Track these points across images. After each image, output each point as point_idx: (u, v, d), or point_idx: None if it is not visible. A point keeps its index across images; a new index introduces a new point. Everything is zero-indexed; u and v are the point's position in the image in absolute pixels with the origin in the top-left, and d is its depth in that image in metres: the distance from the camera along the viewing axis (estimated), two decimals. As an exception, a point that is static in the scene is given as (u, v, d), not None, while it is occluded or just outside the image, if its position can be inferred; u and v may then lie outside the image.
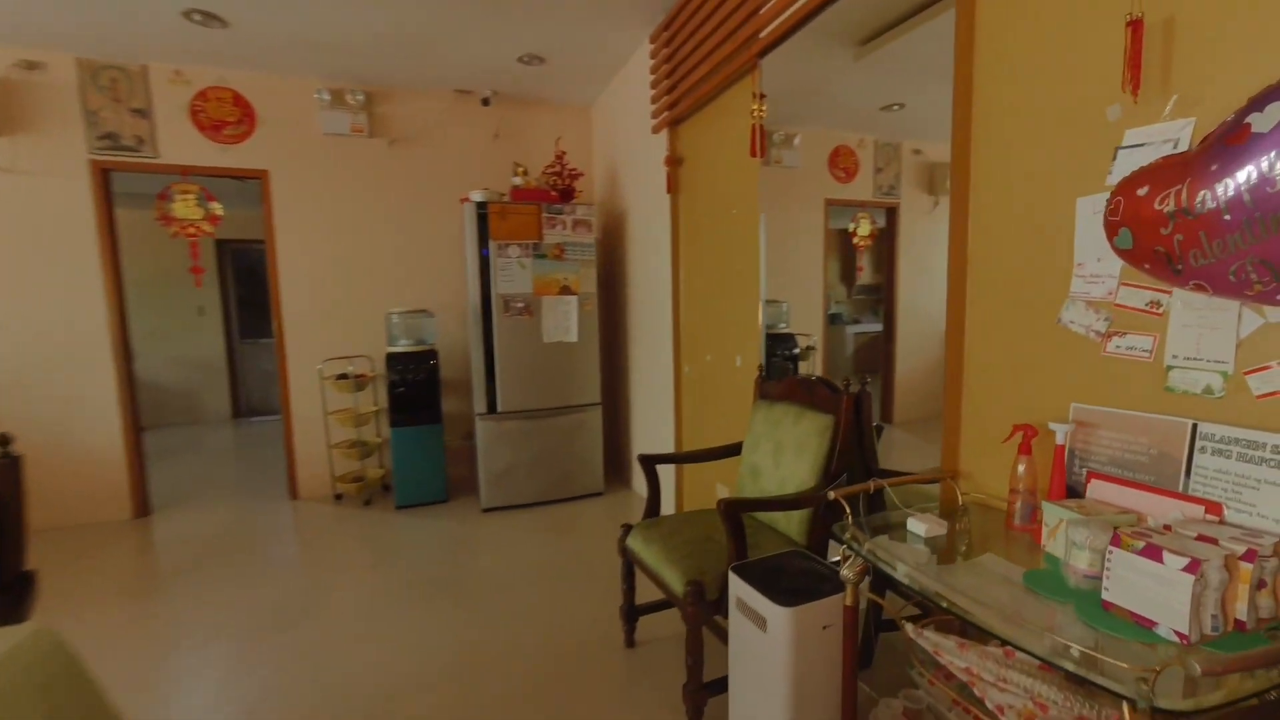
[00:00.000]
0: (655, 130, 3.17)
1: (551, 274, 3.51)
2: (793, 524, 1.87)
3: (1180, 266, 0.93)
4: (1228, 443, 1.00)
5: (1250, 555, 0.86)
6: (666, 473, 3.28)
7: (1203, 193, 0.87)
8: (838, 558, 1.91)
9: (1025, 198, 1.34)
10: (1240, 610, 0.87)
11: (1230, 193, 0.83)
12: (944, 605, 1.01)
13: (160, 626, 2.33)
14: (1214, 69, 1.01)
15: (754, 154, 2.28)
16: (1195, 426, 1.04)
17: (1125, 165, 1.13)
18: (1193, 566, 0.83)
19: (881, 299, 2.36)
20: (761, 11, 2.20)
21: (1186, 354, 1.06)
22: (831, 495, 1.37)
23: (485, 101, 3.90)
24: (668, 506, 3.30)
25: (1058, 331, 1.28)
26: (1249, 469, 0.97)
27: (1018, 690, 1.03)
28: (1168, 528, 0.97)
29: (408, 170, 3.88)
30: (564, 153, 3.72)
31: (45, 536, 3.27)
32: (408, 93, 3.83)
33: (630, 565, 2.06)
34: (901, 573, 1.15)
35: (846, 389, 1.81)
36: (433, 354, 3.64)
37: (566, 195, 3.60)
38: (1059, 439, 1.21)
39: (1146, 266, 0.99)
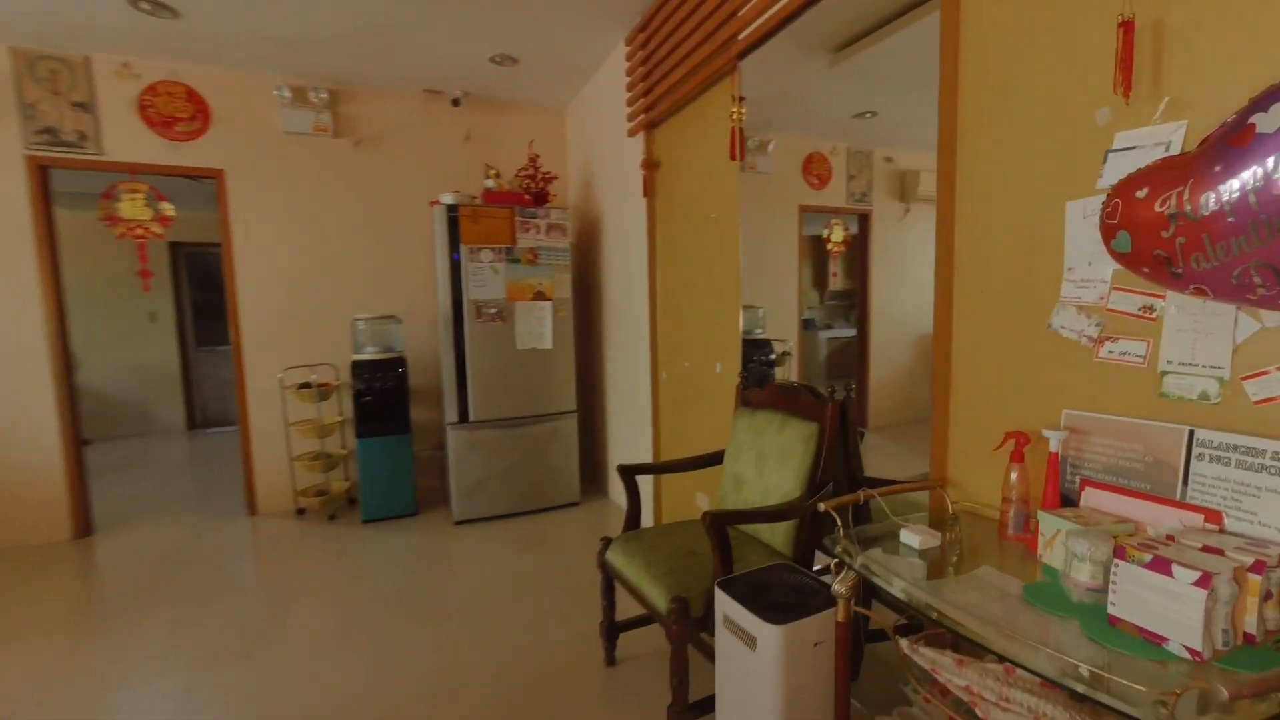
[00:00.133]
0: (631, 133, 3.11)
1: (525, 279, 3.42)
2: (777, 535, 1.82)
3: (1180, 270, 0.91)
4: (1226, 449, 0.98)
5: (1259, 566, 0.84)
6: (644, 483, 3.21)
7: (1206, 195, 0.84)
8: (819, 566, 1.88)
9: (1013, 201, 1.33)
10: (1249, 623, 0.85)
11: (1235, 194, 0.81)
12: (947, 625, 0.96)
13: (101, 659, 2.15)
14: (1204, 72, 1.00)
15: (734, 157, 2.25)
16: (1192, 433, 1.03)
17: (1115, 168, 1.12)
18: (1205, 580, 0.80)
19: (853, 305, 2.36)
20: (741, 13, 2.17)
21: (1181, 359, 1.05)
22: (822, 507, 1.32)
23: (456, 102, 3.79)
24: (646, 517, 3.23)
25: (1048, 337, 1.26)
26: (1249, 476, 0.95)
27: (1021, 710, 0.99)
28: (1171, 538, 0.94)
29: (375, 172, 3.75)
30: (537, 155, 3.64)
31: (-26, 561, 3.02)
32: (375, 92, 3.70)
33: (610, 580, 1.98)
34: (898, 588, 1.10)
35: (831, 396, 1.78)
36: (401, 361, 3.50)
37: (540, 199, 3.52)
38: (1053, 446, 1.19)
39: (1145, 270, 0.97)
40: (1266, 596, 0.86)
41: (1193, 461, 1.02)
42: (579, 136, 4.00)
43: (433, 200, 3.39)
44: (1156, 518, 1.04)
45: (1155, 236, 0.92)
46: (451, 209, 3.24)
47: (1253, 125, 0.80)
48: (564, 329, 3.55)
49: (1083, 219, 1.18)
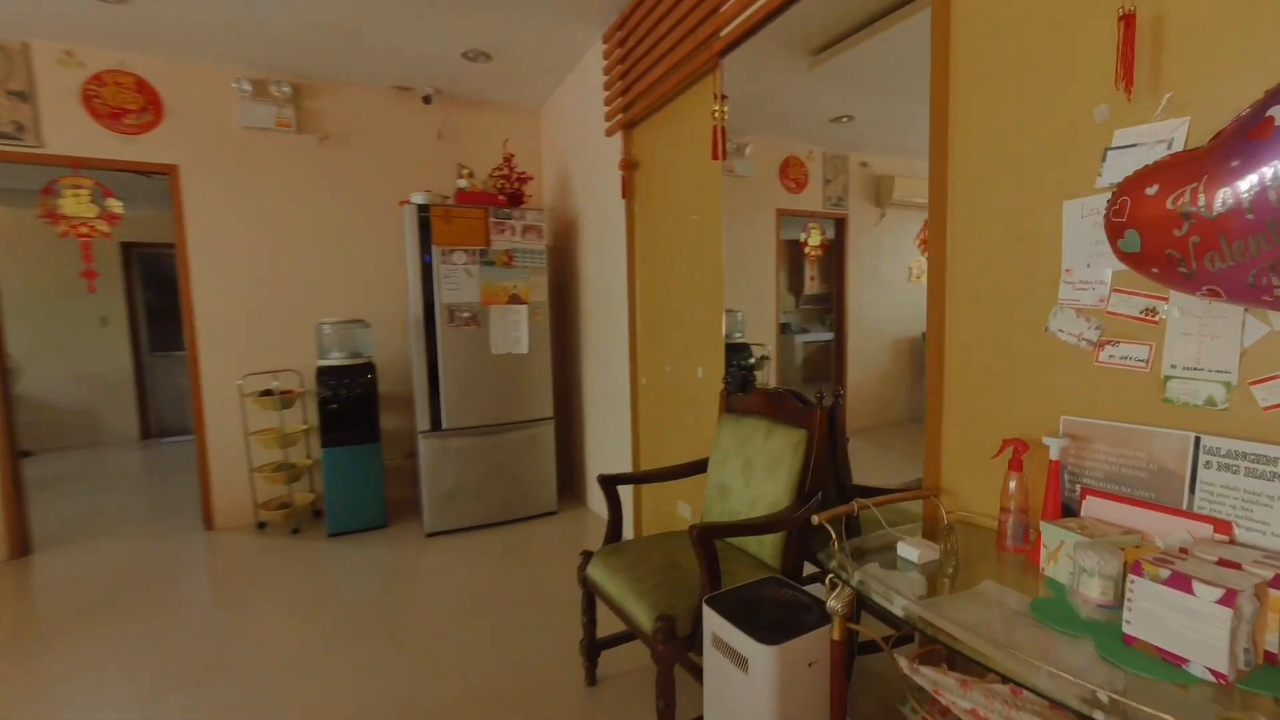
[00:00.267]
0: (609, 133, 3.04)
1: (500, 282, 3.31)
2: (765, 546, 1.76)
3: (1192, 270, 0.87)
4: (1234, 457, 0.95)
5: (1279, 581, 0.80)
6: (625, 492, 3.12)
7: (1222, 190, 0.80)
8: (806, 574, 1.83)
9: (1007, 202, 1.29)
10: (1270, 642, 0.81)
11: (1254, 190, 0.77)
12: (958, 649, 0.90)
13: (37, 691, 1.97)
14: (1208, 66, 0.97)
15: (715, 156, 2.19)
16: (1198, 440, 0.99)
17: (1115, 166, 1.08)
18: (1229, 598, 0.76)
19: (829, 309, 2.35)
20: (723, 9, 2.12)
21: (1186, 364, 1.01)
22: (816, 520, 1.26)
23: (427, 99, 3.67)
24: (626, 528, 3.14)
25: (1045, 341, 1.22)
26: (1259, 485, 0.92)
27: (1031, 734, 0.94)
28: (1184, 550, 0.90)
29: (341, 170, 3.60)
30: (512, 155, 3.53)
31: (-105, 587, 2.77)
32: (341, 87, 3.55)
33: (591, 596, 1.89)
34: (899, 606, 1.04)
35: (820, 401, 1.73)
36: (370, 367, 3.36)
37: (515, 199, 3.41)
38: (1053, 454, 1.15)
39: (1154, 271, 0.93)
40: (1286, 612, 0.82)
41: (1200, 469, 0.99)
42: (555, 136, 3.91)
43: (402, 200, 3.27)
44: (1163, 528, 1.01)
45: (1166, 235, 0.88)
46: (423, 209, 3.12)
47: (1271, 118, 0.77)
48: (540, 333, 3.45)
49: (1080, 219, 1.15)
